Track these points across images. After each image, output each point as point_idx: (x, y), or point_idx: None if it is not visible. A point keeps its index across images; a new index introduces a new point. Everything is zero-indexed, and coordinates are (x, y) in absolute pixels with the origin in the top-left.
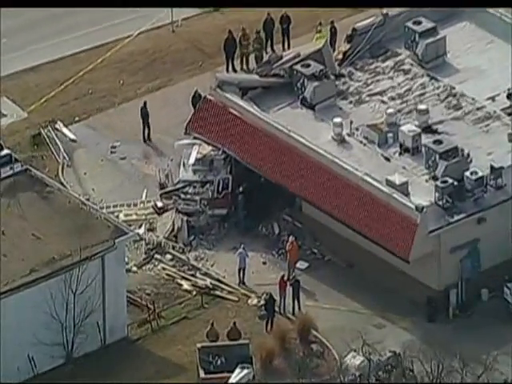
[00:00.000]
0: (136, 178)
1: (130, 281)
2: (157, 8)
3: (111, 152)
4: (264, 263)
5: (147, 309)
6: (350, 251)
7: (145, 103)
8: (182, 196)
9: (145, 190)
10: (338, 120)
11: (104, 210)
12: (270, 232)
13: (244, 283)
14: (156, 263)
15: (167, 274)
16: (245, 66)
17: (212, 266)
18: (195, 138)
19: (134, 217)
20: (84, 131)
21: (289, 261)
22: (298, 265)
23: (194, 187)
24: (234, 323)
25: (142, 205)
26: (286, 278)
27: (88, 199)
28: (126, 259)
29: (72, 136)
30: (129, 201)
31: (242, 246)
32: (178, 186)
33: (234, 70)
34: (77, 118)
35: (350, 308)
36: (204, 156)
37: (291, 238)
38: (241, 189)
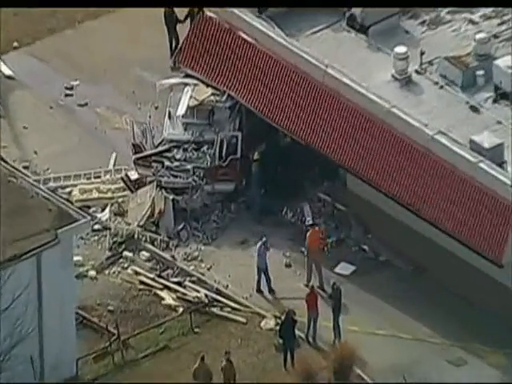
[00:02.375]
0: (100, 136)
1: (84, 292)
2: None
3: (66, 95)
4: (288, 265)
5: (109, 334)
6: (417, 249)
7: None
8: (167, 163)
9: (113, 155)
10: (402, 49)
11: (49, 185)
12: (299, 218)
13: (273, 291)
14: (125, 265)
15: (141, 282)
16: None
17: (209, 269)
18: (187, 75)
19: (95, 194)
20: (26, 63)
21: (308, 259)
22: (338, 268)
23: (185, 150)
24: (202, 358)
25: (107, 176)
26: (315, 285)
27: (26, 167)
28: (79, 258)
29: (7, 71)
30: (88, 170)
31: (264, 237)
32: (161, 147)
33: None
34: (16, 44)
35: (416, 335)
36: (200, 103)
37: (309, 220)
38: (256, 154)
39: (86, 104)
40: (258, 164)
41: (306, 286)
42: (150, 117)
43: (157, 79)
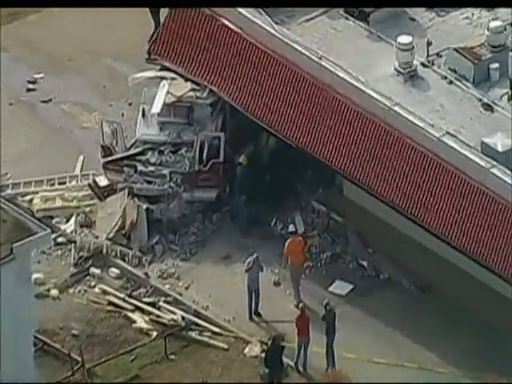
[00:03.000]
0: (66, 136)
1: (45, 314)
2: None
3: (28, 90)
4: (277, 284)
5: (72, 361)
6: (422, 265)
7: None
8: (141, 168)
9: (80, 158)
10: (406, 39)
11: (6, 192)
12: (290, 230)
13: (259, 314)
14: (92, 283)
15: (110, 303)
16: None
17: (187, 288)
18: (164, 68)
19: (59, 203)
20: None
21: (291, 273)
22: (333, 287)
23: (161, 153)
24: None
25: (73, 182)
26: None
27: None
28: (40, 276)
29: None
30: (51, 175)
31: (255, 253)
32: (134, 150)
33: None
34: None
35: (422, 363)
36: (178, 100)
37: (291, 227)
38: (241, 157)
39: (51, 100)
40: (243, 168)
41: (296, 306)
42: (122, 115)
43: (132, 72)
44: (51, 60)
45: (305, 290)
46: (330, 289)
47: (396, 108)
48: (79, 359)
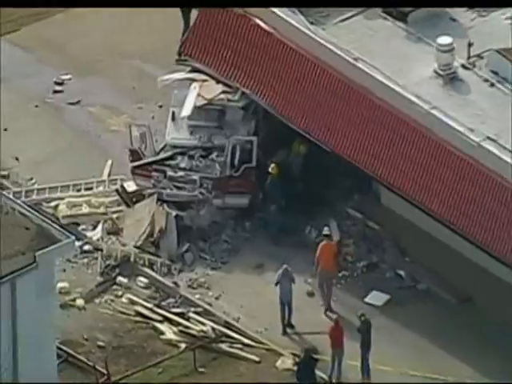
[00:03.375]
0: (94, 140)
1: (70, 324)
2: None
3: (54, 91)
4: (310, 294)
5: (96, 374)
6: (462, 276)
7: None
8: (170, 173)
9: (108, 163)
10: (446, 40)
11: (31, 197)
12: (324, 232)
13: (292, 326)
14: (119, 293)
15: (138, 313)
16: None
17: (218, 298)
18: (194, 69)
19: (85, 209)
20: (9, 54)
21: (319, 278)
22: (369, 298)
23: (191, 158)
24: None
25: (100, 188)
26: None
27: (5, 176)
28: (65, 285)
29: None
30: (78, 181)
31: (284, 265)
32: (163, 154)
33: None
34: None
35: (460, 377)
36: (209, 102)
37: (326, 230)
38: (271, 166)
39: (78, 102)
40: (272, 178)
41: (327, 314)
42: (152, 117)
43: (161, 73)
44: (78, 61)
45: (340, 301)
46: (366, 299)
47: (434, 112)
48: (105, 371)
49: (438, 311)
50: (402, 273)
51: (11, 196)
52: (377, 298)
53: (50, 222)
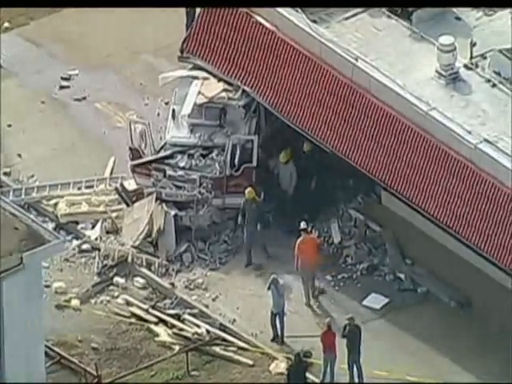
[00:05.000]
0: (98, 137)
1: (64, 325)
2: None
3: (61, 87)
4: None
5: (87, 377)
6: (463, 279)
7: None
8: (170, 172)
9: (110, 160)
10: (447, 40)
11: (31, 195)
12: (326, 239)
13: (282, 341)
14: (116, 293)
15: (133, 314)
16: None
17: (215, 299)
18: (196, 67)
19: (84, 208)
20: (16, 48)
21: (302, 274)
22: (367, 301)
23: (191, 156)
24: None
25: (101, 186)
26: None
27: (7, 173)
28: (62, 285)
29: None
30: (79, 178)
31: (273, 275)
32: (163, 153)
33: None
34: (7, 25)
35: (459, 381)
36: (210, 100)
37: (302, 225)
38: (275, 162)
39: (85, 98)
40: (252, 198)
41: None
42: (158, 114)
43: (172, 69)
44: (87, 56)
45: (337, 303)
46: (364, 302)
47: (432, 113)
48: (95, 373)
49: (437, 315)
50: (401, 275)
51: (2, 196)
52: (375, 300)
53: (39, 222)
